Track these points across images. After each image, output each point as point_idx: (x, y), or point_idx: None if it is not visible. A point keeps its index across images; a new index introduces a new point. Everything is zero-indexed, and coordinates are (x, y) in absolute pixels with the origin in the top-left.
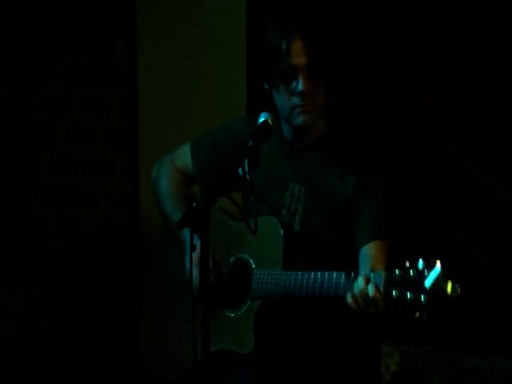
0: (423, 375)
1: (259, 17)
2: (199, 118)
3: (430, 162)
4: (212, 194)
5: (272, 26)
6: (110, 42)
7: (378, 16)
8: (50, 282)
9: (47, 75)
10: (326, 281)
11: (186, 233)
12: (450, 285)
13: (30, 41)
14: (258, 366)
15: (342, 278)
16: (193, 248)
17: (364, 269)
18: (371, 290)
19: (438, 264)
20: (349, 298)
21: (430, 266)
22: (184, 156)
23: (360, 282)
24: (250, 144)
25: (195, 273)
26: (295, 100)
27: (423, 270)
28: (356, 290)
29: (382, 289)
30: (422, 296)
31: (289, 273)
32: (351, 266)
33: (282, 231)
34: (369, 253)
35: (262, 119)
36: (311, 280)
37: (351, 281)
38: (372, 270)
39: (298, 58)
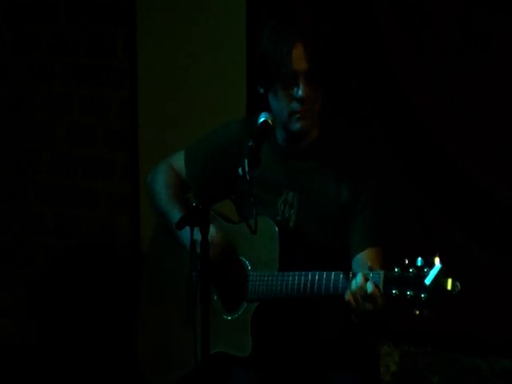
0: (423, 375)
1: (259, 17)
2: (199, 118)
3: (430, 162)
4: (212, 194)
5: (270, 29)
6: (110, 42)
7: (378, 16)
8: (49, 282)
9: (47, 75)
10: (324, 280)
11: (185, 233)
12: (450, 281)
13: (29, 41)
14: (256, 368)
15: (341, 276)
16: (193, 248)
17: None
18: (370, 287)
19: (438, 261)
20: (347, 295)
21: (429, 264)
22: (179, 162)
23: (359, 279)
24: (250, 144)
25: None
26: (295, 106)
27: (422, 268)
28: (355, 287)
29: (381, 287)
30: (422, 294)
31: (285, 273)
32: (346, 271)
33: (277, 231)
34: (363, 260)
35: (262, 119)
36: (309, 280)
37: (350, 280)
38: (370, 269)
39: (299, 63)
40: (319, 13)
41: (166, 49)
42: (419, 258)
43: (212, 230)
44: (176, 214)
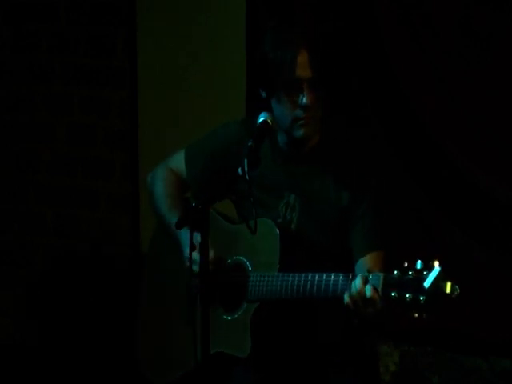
0: (423, 375)
1: (259, 17)
2: (199, 118)
3: (430, 162)
4: (211, 194)
5: (272, 33)
6: (110, 42)
7: (378, 16)
8: (49, 282)
9: (47, 75)
10: (324, 282)
11: (184, 233)
12: (449, 285)
13: (30, 41)
14: (255, 368)
15: (340, 278)
16: (193, 248)
17: None
18: (369, 290)
19: (437, 264)
20: (346, 298)
21: (428, 267)
22: (178, 162)
23: (358, 281)
24: (250, 144)
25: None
26: (298, 113)
27: (422, 271)
28: (354, 290)
29: (380, 289)
30: (421, 296)
31: (285, 274)
32: (347, 273)
33: (278, 232)
34: (366, 264)
35: (261, 119)
36: (309, 281)
37: (349, 281)
38: (369, 271)
39: (303, 70)
40: (319, 13)
41: (165, 49)
42: (419, 261)
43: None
44: (174, 214)
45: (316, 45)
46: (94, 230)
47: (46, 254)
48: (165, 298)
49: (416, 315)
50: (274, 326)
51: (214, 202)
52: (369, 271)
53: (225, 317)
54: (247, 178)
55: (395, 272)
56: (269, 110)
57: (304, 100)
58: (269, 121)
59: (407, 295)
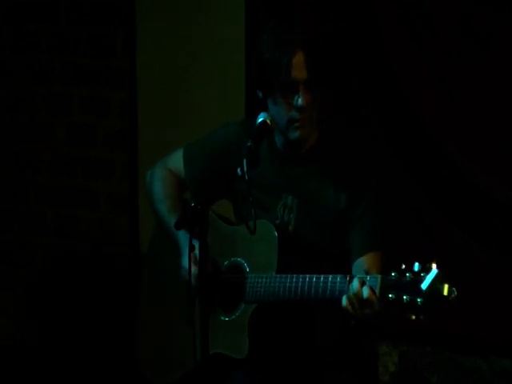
0: (422, 375)
1: (259, 17)
2: (199, 118)
3: (430, 162)
4: (210, 194)
5: (269, 34)
6: (110, 42)
7: (378, 16)
8: (49, 282)
9: (47, 75)
10: (322, 283)
11: (182, 235)
12: (446, 287)
13: (30, 41)
14: (254, 369)
15: (338, 280)
16: (192, 248)
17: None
18: (366, 292)
19: (434, 266)
20: (344, 301)
21: (426, 269)
22: (177, 161)
23: (355, 283)
24: (249, 144)
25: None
26: (294, 114)
27: (419, 273)
28: (351, 292)
29: (377, 291)
30: (418, 298)
31: (283, 276)
32: (346, 274)
33: (276, 233)
34: (363, 265)
35: (260, 119)
36: (306, 282)
37: (346, 283)
38: (367, 273)
39: (299, 72)
40: (319, 13)
41: (165, 49)
42: (416, 263)
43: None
44: (173, 216)
45: (312, 46)
46: (93, 229)
47: (46, 254)
48: (164, 298)
49: (413, 317)
50: (271, 328)
51: (214, 202)
52: (366, 272)
53: (222, 318)
54: (246, 178)
55: (393, 274)
56: (267, 110)
57: (299, 101)
58: (268, 121)
59: (405, 297)
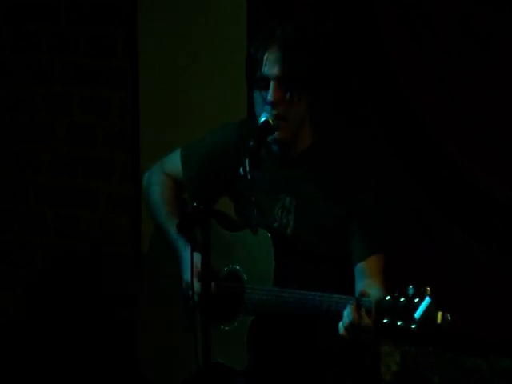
0: (424, 375)
1: (259, 17)
2: (199, 118)
3: (430, 162)
4: (212, 194)
5: (258, 35)
6: (110, 42)
7: (378, 16)
8: (49, 282)
9: (47, 75)
10: (317, 301)
11: (181, 245)
12: (440, 315)
13: (30, 41)
14: (256, 376)
15: (335, 299)
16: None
17: (360, 285)
18: (362, 318)
19: (428, 291)
20: (341, 330)
21: (420, 294)
22: (174, 163)
23: (350, 311)
24: (251, 144)
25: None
26: (266, 109)
27: (413, 299)
28: (347, 321)
29: (373, 315)
30: (412, 325)
31: (280, 290)
32: (344, 278)
33: (273, 247)
34: (365, 269)
35: (262, 119)
36: (302, 299)
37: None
38: (362, 295)
39: (271, 67)
40: (319, 13)
41: (166, 49)
42: (410, 287)
43: (196, 258)
44: (172, 222)
45: (292, 44)
46: (94, 229)
47: (46, 254)
48: (164, 299)
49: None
50: (271, 338)
51: (215, 201)
52: (361, 295)
53: (222, 326)
54: (249, 177)
55: (387, 297)
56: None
57: (268, 96)
58: (270, 121)
59: (399, 323)
